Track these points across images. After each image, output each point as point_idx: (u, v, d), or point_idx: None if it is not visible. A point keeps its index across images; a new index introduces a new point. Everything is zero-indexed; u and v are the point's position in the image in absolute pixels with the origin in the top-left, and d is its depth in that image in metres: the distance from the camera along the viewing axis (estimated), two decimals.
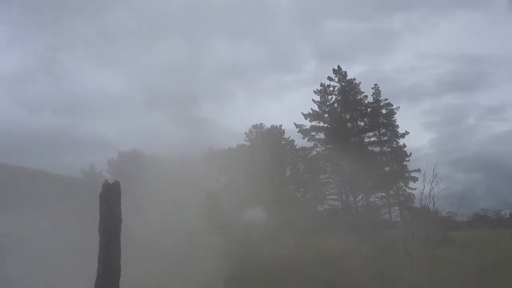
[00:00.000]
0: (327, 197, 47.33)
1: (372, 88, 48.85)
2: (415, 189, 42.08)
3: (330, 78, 47.51)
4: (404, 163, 46.58)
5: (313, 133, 47.69)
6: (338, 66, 47.84)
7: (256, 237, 29.34)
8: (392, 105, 48.02)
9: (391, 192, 46.00)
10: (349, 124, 47.74)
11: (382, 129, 47.94)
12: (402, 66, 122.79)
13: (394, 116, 47.73)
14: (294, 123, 48.63)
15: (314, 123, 47.81)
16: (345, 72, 47.61)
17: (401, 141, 47.51)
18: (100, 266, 4.20)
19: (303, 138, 48.48)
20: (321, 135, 47.56)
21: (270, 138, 59.15)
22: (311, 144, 48.28)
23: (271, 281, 23.11)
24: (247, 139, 64.01)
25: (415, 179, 42.79)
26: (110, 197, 4.35)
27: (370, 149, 47.31)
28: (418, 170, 41.66)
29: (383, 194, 46.03)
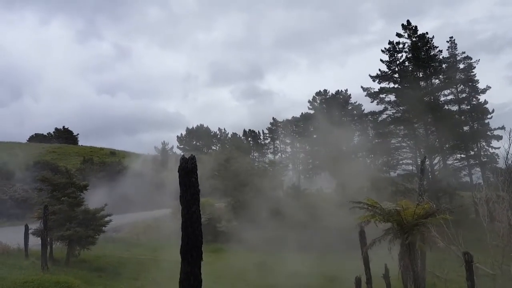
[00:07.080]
0: (400, 161, 45.35)
1: (447, 41, 45.22)
2: (499, 148, 39.11)
3: (399, 35, 44.33)
4: (486, 121, 42.86)
5: (382, 96, 45.30)
6: (408, 21, 44.35)
7: (327, 206, 29.50)
8: (470, 59, 43.92)
9: (472, 153, 42.76)
10: (422, 82, 44.52)
11: (460, 86, 44.23)
12: (480, 16, 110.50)
13: (473, 70, 43.74)
14: (361, 87, 46.53)
15: (383, 84, 45.35)
16: (416, 26, 44.03)
17: (482, 98, 43.74)
18: (184, 234, 4.66)
19: (371, 102, 46.37)
20: (391, 97, 45.07)
21: (335, 104, 57.72)
22: (380, 107, 46.14)
23: (341, 247, 23.28)
24: (311, 107, 63.18)
25: (499, 138, 39.47)
26: (188, 170, 4.77)
27: (447, 108, 43.96)
28: (503, 128, 38.53)
29: (462, 155, 43.01)
